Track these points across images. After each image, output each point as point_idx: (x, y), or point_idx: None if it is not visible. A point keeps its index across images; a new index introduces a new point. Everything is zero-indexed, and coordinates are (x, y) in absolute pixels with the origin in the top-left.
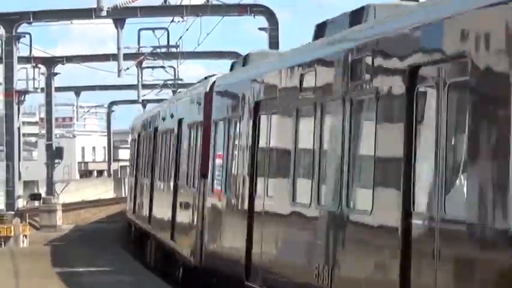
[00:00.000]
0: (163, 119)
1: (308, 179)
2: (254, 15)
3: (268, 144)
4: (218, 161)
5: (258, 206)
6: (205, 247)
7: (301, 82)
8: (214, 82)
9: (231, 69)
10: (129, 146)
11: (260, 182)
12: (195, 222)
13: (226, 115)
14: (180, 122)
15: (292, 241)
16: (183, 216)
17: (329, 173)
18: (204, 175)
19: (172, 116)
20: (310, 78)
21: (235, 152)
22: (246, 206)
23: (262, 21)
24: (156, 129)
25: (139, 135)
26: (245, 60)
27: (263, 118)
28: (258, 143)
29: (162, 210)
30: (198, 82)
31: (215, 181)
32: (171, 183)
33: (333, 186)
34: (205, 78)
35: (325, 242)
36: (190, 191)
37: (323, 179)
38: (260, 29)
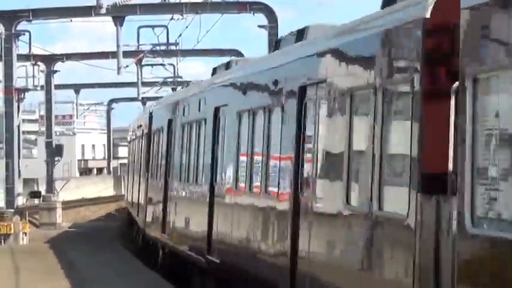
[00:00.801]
0: (245, 90)
1: None
2: (253, 13)
3: None
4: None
5: None
6: None
7: None
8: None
9: (384, 6)
10: (130, 143)
11: None
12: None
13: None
14: (303, 89)
15: None
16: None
17: None
18: (432, 182)
19: (267, 86)
20: None
21: None
22: None
23: (261, 18)
24: (217, 109)
25: (170, 123)
26: None
27: None
28: None
29: (243, 239)
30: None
31: (496, 201)
32: (285, 196)
33: None
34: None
35: None
36: (362, 221)
37: None
38: (260, 26)
